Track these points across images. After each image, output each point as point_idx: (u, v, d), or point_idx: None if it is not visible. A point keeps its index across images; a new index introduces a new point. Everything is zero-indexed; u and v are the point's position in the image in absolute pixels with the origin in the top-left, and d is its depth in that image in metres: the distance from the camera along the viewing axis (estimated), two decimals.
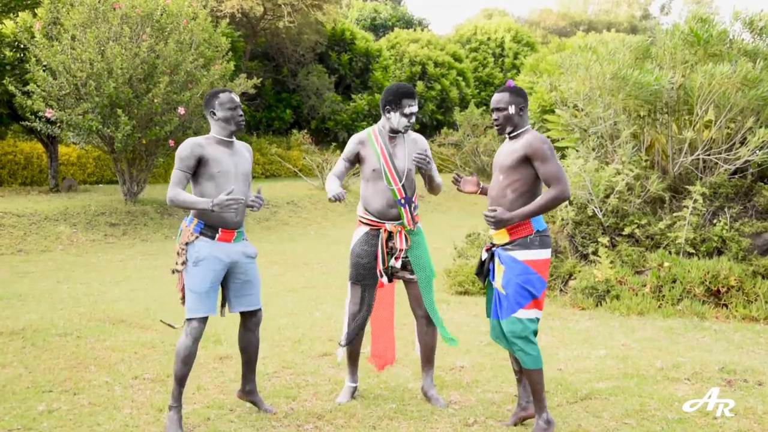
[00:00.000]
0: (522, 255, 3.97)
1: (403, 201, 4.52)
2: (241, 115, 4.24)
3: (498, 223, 3.95)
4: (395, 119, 4.54)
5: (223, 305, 4.40)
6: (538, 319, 4.02)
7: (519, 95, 4.10)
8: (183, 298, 4.20)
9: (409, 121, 4.54)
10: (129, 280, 9.36)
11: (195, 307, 4.05)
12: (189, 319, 4.07)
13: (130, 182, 15.21)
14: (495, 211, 3.95)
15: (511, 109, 4.07)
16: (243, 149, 4.37)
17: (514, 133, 4.11)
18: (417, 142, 4.68)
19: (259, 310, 4.41)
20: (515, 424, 4.26)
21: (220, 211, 3.96)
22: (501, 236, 4.07)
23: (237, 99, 4.26)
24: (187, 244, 4.11)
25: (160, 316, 7.03)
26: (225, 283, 4.29)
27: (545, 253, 4.02)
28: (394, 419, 4.34)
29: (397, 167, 4.54)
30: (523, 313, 3.95)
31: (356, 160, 4.69)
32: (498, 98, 4.13)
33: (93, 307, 7.46)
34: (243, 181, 4.25)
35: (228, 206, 3.90)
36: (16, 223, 12.52)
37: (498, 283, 4.05)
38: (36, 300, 7.88)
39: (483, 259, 4.25)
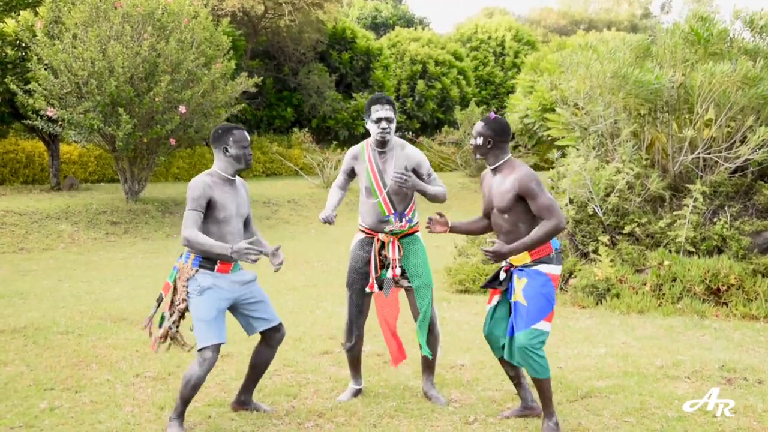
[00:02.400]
0: (545, 268, 4.09)
1: (391, 217, 4.52)
2: (251, 154, 4.23)
3: (498, 257, 4.04)
4: (371, 128, 4.54)
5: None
6: (548, 334, 4.09)
7: (492, 129, 4.13)
8: (168, 337, 4.21)
9: (380, 127, 4.49)
10: (130, 278, 9.37)
11: (206, 336, 4.01)
12: (201, 350, 4.01)
13: (132, 181, 15.22)
14: (494, 244, 4.04)
15: (479, 140, 4.14)
16: (241, 188, 4.35)
17: (494, 165, 4.18)
18: (410, 157, 4.60)
19: (281, 325, 4.39)
20: (517, 417, 4.32)
21: (239, 258, 3.97)
22: (522, 258, 4.11)
23: (248, 137, 4.25)
24: (187, 279, 4.11)
25: (160, 313, 7.04)
26: (237, 316, 4.29)
27: (558, 269, 4.16)
28: (395, 417, 4.35)
29: (387, 184, 4.53)
30: (543, 325, 4.04)
31: (353, 173, 4.73)
32: (475, 126, 4.23)
33: (94, 306, 7.48)
34: (241, 221, 4.28)
35: (247, 254, 3.91)
36: (17, 222, 12.54)
37: (519, 296, 4.09)
38: (38, 298, 7.89)
39: (500, 279, 4.26)
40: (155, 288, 8.56)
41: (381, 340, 5.93)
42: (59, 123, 14.12)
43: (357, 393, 4.75)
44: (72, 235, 12.73)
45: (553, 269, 4.09)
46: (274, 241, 13.42)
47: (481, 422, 4.27)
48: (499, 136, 4.13)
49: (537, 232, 3.97)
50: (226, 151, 4.16)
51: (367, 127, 4.60)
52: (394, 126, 4.56)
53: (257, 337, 4.44)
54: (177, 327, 4.21)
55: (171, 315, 4.19)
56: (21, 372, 5.16)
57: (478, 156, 4.20)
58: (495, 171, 4.19)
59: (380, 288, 4.63)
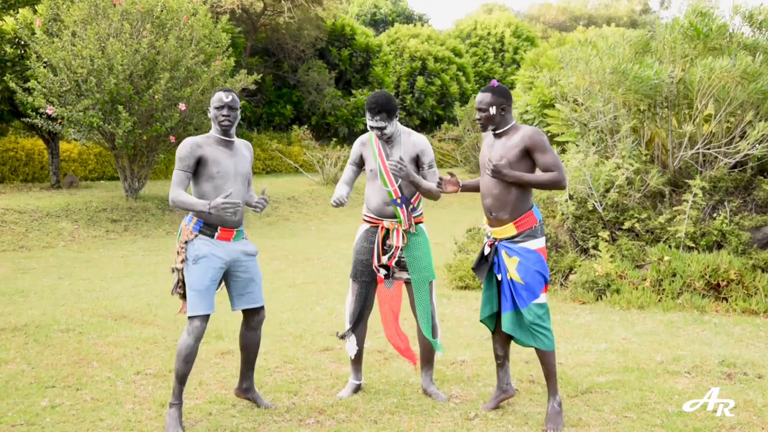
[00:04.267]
0: (533, 244, 4.14)
1: (399, 201, 4.53)
2: (225, 115, 4.16)
3: (496, 173, 4.09)
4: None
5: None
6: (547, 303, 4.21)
7: (500, 95, 4.17)
8: (182, 295, 4.23)
9: (374, 132, 4.55)
10: (131, 276, 9.37)
11: (196, 305, 4.05)
12: (190, 318, 4.07)
13: (132, 178, 15.21)
14: (499, 166, 4.08)
15: (492, 110, 4.16)
16: (243, 148, 4.36)
17: (500, 131, 4.18)
18: (416, 144, 4.63)
19: (262, 308, 4.41)
20: (496, 407, 4.38)
21: (217, 214, 3.98)
22: (507, 230, 4.15)
23: (227, 98, 4.17)
24: (186, 242, 4.12)
25: (161, 312, 7.06)
26: (227, 283, 4.30)
27: (544, 240, 4.23)
28: (396, 413, 4.36)
29: (390, 171, 4.55)
30: (542, 297, 4.14)
31: (361, 162, 4.74)
32: (480, 98, 4.22)
33: (95, 303, 7.48)
34: (242, 181, 4.25)
35: (225, 210, 3.92)
36: (17, 220, 12.54)
37: (513, 275, 4.15)
38: (38, 296, 7.90)
39: (486, 254, 4.30)
40: (155, 285, 8.57)
41: (381, 336, 5.94)
42: (59, 121, 14.10)
43: (357, 389, 4.75)
44: (72, 233, 12.73)
45: (540, 242, 4.16)
46: (275, 238, 13.43)
47: (482, 418, 4.28)
48: (509, 101, 4.19)
49: (542, 175, 4.05)
50: (208, 112, 4.23)
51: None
52: (390, 128, 4.53)
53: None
54: (180, 287, 4.22)
55: (173, 276, 4.23)
56: (22, 370, 5.17)
57: (490, 127, 4.21)
58: (500, 134, 4.20)
59: (386, 277, 4.65)
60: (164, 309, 7.19)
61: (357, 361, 4.77)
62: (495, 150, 4.20)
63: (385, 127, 4.51)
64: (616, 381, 4.93)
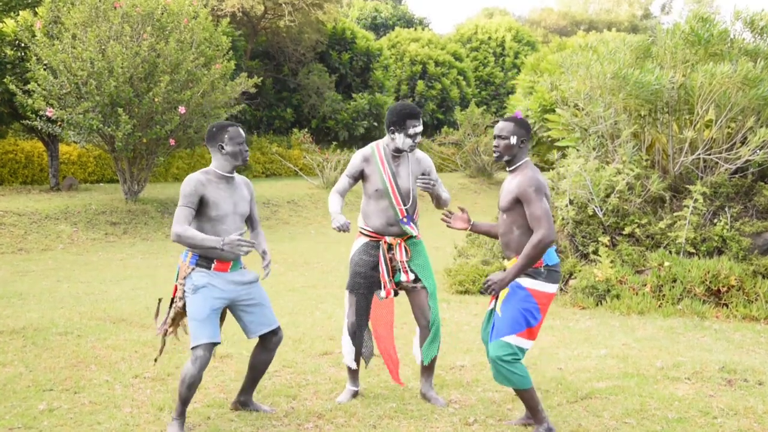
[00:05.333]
0: (527, 282, 4.01)
1: (405, 220, 4.54)
2: (247, 150, 4.22)
3: (498, 287, 3.99)
4: (400, 140, 4.54)
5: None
6: (525, 350, 4.02)
7: (522, 127, 4.13)
8: (165, 333, 4.24)
9: (414, 142, 4.53)
10: (129, 278, 9.36)
11: (198, 335, 4.01)
12: (194, 348, 4.01)
13: (131, 181, 15.20)
14: (489, 280, 4.01)
15: (513, 140, 4.10)
16: (243, 186, 4.33)
17: (513, 166, 4.15)
18: (421, 161, 4.68)
19: (279, 328, 4.38)
20: (524, 425, 4.27)
21: (230, 251, 3.94)
22: (513, 263, 4.09)
23: (243, 133, 4.24)
24: (184, 278, 4.11)
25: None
26: (236, 317, 4.28)
27: (550, 287, 4.04)
28: (395, 418, 4.34)
29: (401, 187, 4.55)
30: (515, 339, 3.97)
31: (360, 176, 4.69)
32: (502, 126, 4.16)
33: (93, 306, 7.46)
34: (240, 220, 4.25)
35: (239, 247, 3.89)
36: (16, 222, 12.52)
37: (498, 305, 4.08)
38: (36, 299, 7.88)
39: None
40: (154, 288, 8.55)
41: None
42: (58, 123, 14.10)
43: (355, 394, 4.74)
44: (71, 235, 12.72)
45: (539, 285, 4.00)
46: (274, 242, 13.41)
47: (481, 423, 4.26)
48: (528, 134, 4.14)
49: (525, 250, 3.91)
50: (222, 148, 4.15)
51: (393, 136, 4.55)
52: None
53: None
54: (172, 325, 4.21)
55: (169, 312, 4.21)
56: (20, 373, 5.15)
57: (506, 157, 4.14)
58: (512, 171, 4.17)
59: (395, 293, 4.65)
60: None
61: (354, 369, 4.75)
62: (503, 190, 4.17)
63: (420, 133, 4.56)
64: (615, 387, 4.91)
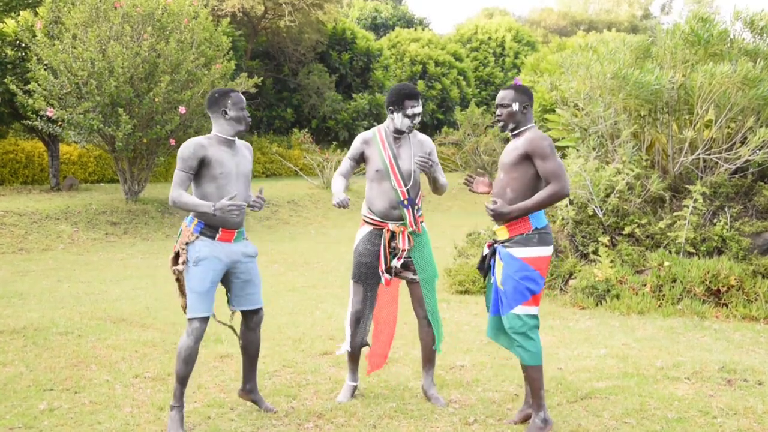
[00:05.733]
0: (519, 252, 4.01)
1: (406, 202, 4.53)
2: (249, 115, 4.29)
3: (497, 216, 4.02)
4: (398, 120, 4.55)
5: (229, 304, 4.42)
6: (534, 316, 4.05)
7: (524, 93, 4.13)
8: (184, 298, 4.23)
9: (412, 122, 4.55)
10: (130, 278, 9.36)
11: (196, 307, 4.06)
12: (190, 320, 4.08)
13: (131, 181, 15.21)
14: (496, 203, 4.02)
15: (515, 106, 4.10)
16: (244, 149, 4.38)
17: (517, 131, 4.14)
18: (423, 143, 4.69)
19: (261, 309, 4.42)
20: (523, 421, 4.27)
21: (222, 216, 3.98)
22: (501, 232, 4.12)
23: (244, 98, 4.30)
24: (187, 243, 4.12)
25: (160, 315, 7.05)
26: (226, 283, 4.30)
27: (545, 251, 4.05)
28: (395, 418, 4.34)
29: (402, 168, 4.55)
30: (522, 309, 4.01)
31: (361, 159, 4.72)
32: (503, 95, 4.16)
33: (94, 306, 7.47)
34: (244, 182, 4.27)
35: (230, 211, 3.93)
36: (17, 222, 12.53)
37: (498, 280, 4.09)
38: (37, 299, 7.89)
39: (484, 255, 4.29)
40: (154, 288, 8.56)
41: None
42: (59, 123, 14.11)
43: (354, 390, 4.74)
44: (71, 235, 12.72)
45: (533, 251, 4.01)
46: (274, 242, 13.42)
47: (481, 423, 4.27)
48: (531, 100, 4.14)
49: (540, 194, 3.95)
50: (225, 113, 4.19)
51: (392, 117, 4.58)
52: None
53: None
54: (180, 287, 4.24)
55: (174, 275, 4.23)
56: (20, 373, 5.15)
57: (510, 125, 4.15)
58: (517, 136, 4.16)
59: (394, 274, 4.64)
60: (163, 312, 7.18)
61: (354, 361, 4.76)
62: (505, 153, 4.17)
63: (421, 113, 4.58)
64: (615, 386, 4.92)
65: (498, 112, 4.19)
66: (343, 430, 4.16)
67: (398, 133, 4.62)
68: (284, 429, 4.18)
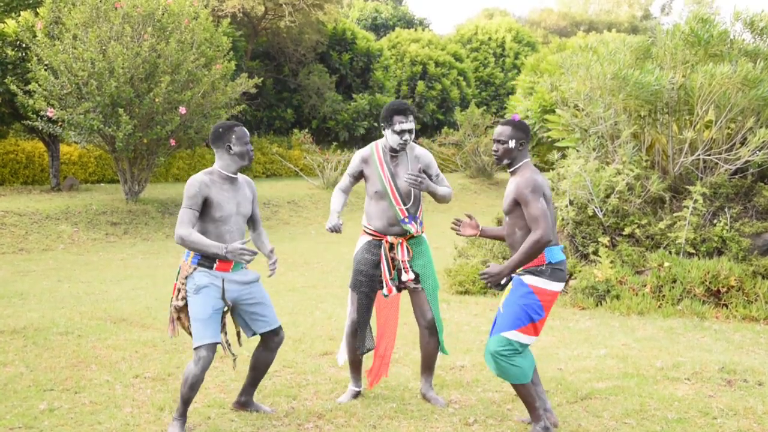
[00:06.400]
0: (529, 280, 4.04)
1: (406, 220, 4.53)
2: (252, 150, 4.25)
3: (493, 280, 4.04)
4: (389, 137, 4.53)
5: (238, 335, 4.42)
6: (526, 345, 4.03)
7: (521, 130, 4.15)
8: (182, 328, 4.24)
9: (401, 139, 4.49)
10: (130, 279, 9.37)
11: (201, 334, 4.03)
12: (196, 348, 4.03)
13: (132, 181, 15.22)
14: (489, 267, 4.07)
15: (511, 143, 4.13)
16: (245, 186, 4.33)
17: (513, 168, 4.18)
18: (420, 158, 4.65)
19: (280, 328, 4.39)
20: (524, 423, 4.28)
21: (233, 258, 3.96)
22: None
23: (248, 133, 4.27)
24: (186, 277, 4.12)
25: (160, 315, 7.05)
26: (236, 315, 4.29)
27: (554, 286, 4.06)
28: (395, 418, 4.35)
29: (400, 188, 4.54)
30: (514, 335, 3.98)
31: (360, 176, 4.71)
32: (500, 131, 4.19)
33: (94, 306, 7.47)
34: (242, 220, 4.27)
35: (242, 255, 3.92)
36: (17, 222, 12.54)
37: (501, 301, 4.11)
38: (37, 299, 7.89)
39: (503, 283, 4.28)
40: (154, 289, 8.56)
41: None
42: (59, 123, 14.12)
43: (356, 395, 4.74)
44: (72, 235, 12.73)
45: (542, 283, 4.02)
46: (274, 242, 13.42)
47: (481, 423, 4.27)
48: (527, 136, 4.16)
49: (523, 247, 3.96)
50: (230, 149, 4.16)
51: (385, 133, 4.56)
52: (413, 135, 4.56)
53: (257, 338, 4.44)
54: (178, 320, 4.23)
55: (170, 310, 4.22)
56: (20, 373, 5.16)
57: (505, 161, 4.17)
58: (513, 173, 4.19)
59: (398, 290, 4.64)
60: (163, 312, 7.18)
61: (356, 369, 4.76)
62: (505, 195, 4.19)
63: (413, 131, 4.53)
64: (615, 387, 4.92)
65: (495, 147, 4.22)
66: (343, 430, 4.17)
67: (392, 151, 4.60)
68: (284, 429, 4.18)
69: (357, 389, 4.75)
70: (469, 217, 4.48)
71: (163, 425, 4.19)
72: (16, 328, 6.39)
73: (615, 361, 5.57)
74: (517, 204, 4.06)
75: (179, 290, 4.16)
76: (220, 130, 4.18)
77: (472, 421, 4.30)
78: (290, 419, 4.32)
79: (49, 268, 10.18)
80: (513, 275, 4.12)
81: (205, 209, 4.10)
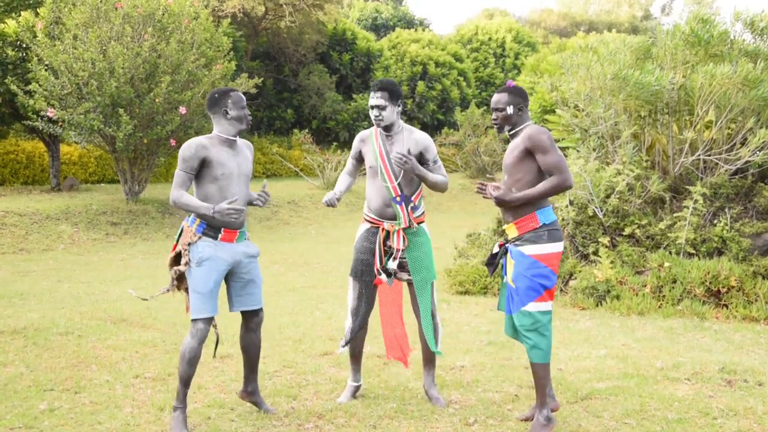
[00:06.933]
0: (530, 249, 4.03)
1: (398, 199, 4.51)
2: (249, 114, 4.29)
3: (501, 202, 4.03)
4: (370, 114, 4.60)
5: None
6: (548, 313, 4.06)
7: (518, 95, 4.14)
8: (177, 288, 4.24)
9: (372, 114, 4.53)
10: (130, 279, 9.37)
11: (200, 308, 4.06)
12: (194, 320, 4.08)
13: (132, 182, 15.22)
14: (500, 189, 4.04)
15: (510, 110, 4.12)
16: (245, 148, 4.39)
17: (514, 131, 4.16)
18: (418, 141, 4.64)
19: (261, 309, 4.42)
20: (527, 420, 4.29)
21: (221, 219, 3.99)
22: (511, 230, 4.13)
23: (244, 97, 4.31)
24: (189, 244, 4.12)
25: (160, 315, 7.05)
26: (227, 282, 4.31)
27: (555, 247, 4.06)
28: (395, 418, 4.35)
29: (394, 165, 4.55)
30: (534, 306, 4.02)
31: (360, 157, 4.76)
32: (497, 98, 4.18)
33: (94, 306, 7.47)
34: (245, 182, 4.29)
35: (229, 215, 3.95)
36: (17, 222, 12.54)
37: (509, 278, 4.11)
38: (37, 299, 7.89)
39: (494, 253, 4.29)
40: (155, 289, 8.55)
41: (381, 341, 5.93)
42: (59, 124, 14.12)
43: (356, 391, 4.73)
44: (72, 235, 12.73)
45: (543, 248, 4.02)
46: (274, 242, 13.42)
47: (481, 423, 4.27)
48: (525, 101, 4.16)
49: (543, 184, 3.96)
50: (227, 113, 4.20)
51: None
52: (388, 113, 4.53)
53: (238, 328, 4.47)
54: (176, 285, 4.25)
55: (171, 273, 4.22)
56: (20, 373, 5.16)
57: (506, 128, 4.17)
58: (514, 135, 4.18)
59: (387, 277, 4.63)
60: (163, 312, 7.18)
61: (356, 361, 4.76)
62: (507, 154, 4.17)
63: (384, 108, 4.50)
64: (615, 387, 4.92)
65: (494, 115, 4.22)
66: (343, 430, 4.17)
67: (385, 130, 4.63)
68: (284, 429, 4.18)
69: (356, 384, 4.74)
70: (493, 179, 4.46)
71: (163, 425, 4.19)
72: (16, 329, 6.39)
73: (615, 361, 5.58)
74: (526, 156, 4.02)
75: (180, 255, 4.15)
76: (216, 95, 4.23)
77: (473, 421, 4.30)
78: (290, 419, 4.32)
79: (49, 268, 10.19)
80: (510, 250, 4.11)
81: (205, 171, 4.12)
